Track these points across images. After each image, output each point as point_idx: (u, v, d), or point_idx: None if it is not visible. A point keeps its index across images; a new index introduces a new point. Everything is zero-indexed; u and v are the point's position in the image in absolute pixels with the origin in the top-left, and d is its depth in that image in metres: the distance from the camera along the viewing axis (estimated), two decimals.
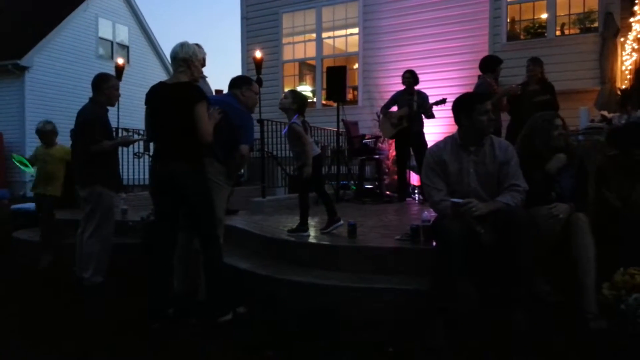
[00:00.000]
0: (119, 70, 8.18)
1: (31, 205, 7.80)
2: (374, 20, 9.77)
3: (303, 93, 5.06)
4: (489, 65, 6.29)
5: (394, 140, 7.21)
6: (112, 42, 17.07)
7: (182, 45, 3.43)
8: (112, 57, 16.08)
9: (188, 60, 3.41)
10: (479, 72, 6.50)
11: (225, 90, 4.06)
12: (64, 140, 5.73)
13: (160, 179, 3.36)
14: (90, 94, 4.53)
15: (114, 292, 4.09)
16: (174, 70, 3.47)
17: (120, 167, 5.19)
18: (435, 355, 2.71)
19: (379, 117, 7.34)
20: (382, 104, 7.16)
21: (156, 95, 3.40)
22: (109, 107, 4.52)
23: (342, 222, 4.39)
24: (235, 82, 3.93)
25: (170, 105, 3.32)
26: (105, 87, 4.44)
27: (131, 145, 5.97)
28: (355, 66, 10.27)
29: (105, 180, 4.38)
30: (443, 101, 6.38)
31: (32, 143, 14.03)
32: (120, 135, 7.35)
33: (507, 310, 2.93)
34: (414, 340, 2.86)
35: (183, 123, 3.27)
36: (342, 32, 10.35)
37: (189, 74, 3.43)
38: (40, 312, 3.74)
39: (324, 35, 10.45)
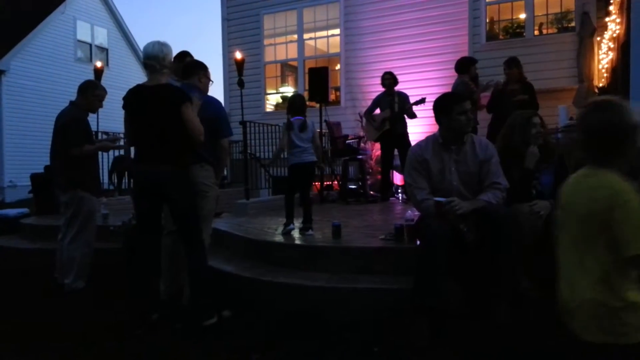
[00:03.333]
0: (98, 73, 8.07)
1: (10, 212, 7.69)
2: (355, 21, 9.80)
3: (290, 95, 5.13)
4: (464, 66, 6.37)
5: (378, 142, 7.27)
6: (90, 45, 16.84)
7: (159, 45, 3.32)
8: (91, 60, 15.89)
9: (161, 59, 3.30)
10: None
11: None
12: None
13: (143, 182, 3.31)
14: (70, 98, 4.49)
15: (96, 298, 4.04)
16: (150, 71, 3.33)
17: (101, 171, 5.14)
18: (419, 354, 2.72)
19: (361, 118, 7.36)
20: (365, 105, 7.21)
21: (136, 98, 3.33)
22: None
23: (312, 232, 4.37)
24: (192, 69, 3.72)
25: (153, 108, 3.24)
26: (91, 93, 4.41)
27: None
28: (337, 67, 10.28)
29: (87, 184, 4.33)
30: (422, 101, 6.45)
31: (10, 148, 13.86)
32: (100, 137, 7.26)
33: (491, 307, 2.96)
34: (399, 340, 2.88)
35: (166, 125, 3.22)
36: (324, 33, 10.35)
37: (166, 75, 3.36)
38: (21, 318, 3.67)
39: (306, 36, 10.44)
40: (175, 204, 3.32)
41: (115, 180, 8.63)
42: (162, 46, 3.32)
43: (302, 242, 4.15)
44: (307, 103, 4.93)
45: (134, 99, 3.34)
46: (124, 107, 3.38)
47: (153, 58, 3.29)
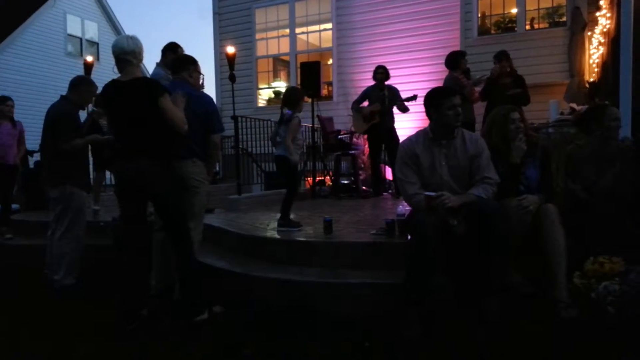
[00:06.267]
0: (88, 67, 8.01)
1: None
2: (347, 16, 9.77)
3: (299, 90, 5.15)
4: (453, 61, 6.35)
5: (366, 134, 7.27)
6: (81, 39, 16.71)
7: (133, 39, 3.29)
8: (81, 54, 15.76)
9: (137, 53, 3.28)
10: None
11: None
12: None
13: (125, 178, 3.29)
14: (60, 92, 4.45)
15: (87, 294, 4.02)
16: (123, 65, 3.28)
17: (91, 166, 5.11)
18: (410, 348, 2.73)
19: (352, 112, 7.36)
20: (355, 99, 7.18)
21: (113, 94, 3.28)
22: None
23: (284, 229, 4.39)
24: (181, 64, 3.70)
25: (130, 103, 3.21)
26: (84, 89, 4.38)
27: None
28: (330, 61, 10.25)
29: (76, 179, 4.30)
30: (414, 97, 6.44)
31: None
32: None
33: (481, 301, 2.97)
34: (390, 334, 2.88)
35: (145, 120, 3.19)
36: (316, 27, 10.32)
37: (139, 68, 3.34)
38: (10, 315, 3.64)
39: (298, 30, 10.41)
40: (157, 199, 3.30)
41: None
42: (136, 41, 3.32)
43: (294, 237, 4.14)
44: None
45: (110, 94, 3.30)
46: (101, 103, 3.36)
47: (130, 53, 3.26)
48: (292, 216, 4.62)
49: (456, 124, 3.20)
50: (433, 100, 3.23)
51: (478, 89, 6.33)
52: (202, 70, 3.85)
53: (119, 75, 3.34)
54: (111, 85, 3.32)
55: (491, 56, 6.36)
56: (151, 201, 3.34)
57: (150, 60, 4.74)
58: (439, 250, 2.98)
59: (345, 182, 7.76)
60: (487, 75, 6.23)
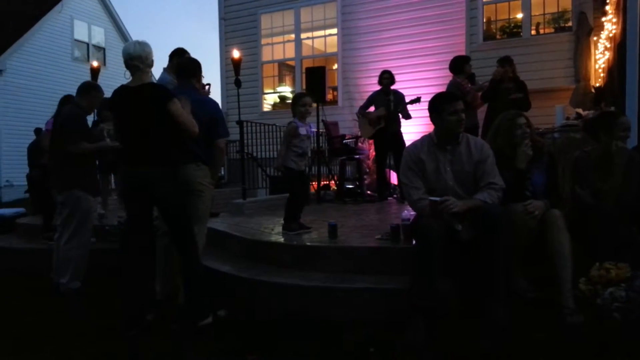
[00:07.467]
0: (95, 72, 8.04)
1: (6, 211, 7.66)
2: (353, 21, 9.81)
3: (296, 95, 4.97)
4: (458, 66, 6.36)
5: (373, 140, 7.26)
6: (88, 44, 16.85)
7: (140, 45, 3.31)
8: (88, 60, 15.87)
9: (144, 58, 3.30)
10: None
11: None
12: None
13: (131, 183, 3.30)
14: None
15: (92, 298, 4.03)
16: (133, 71, 3.31)
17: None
18: (416, 354, 2.72)
19: (359, 118, 7.37)
20: (362, 104, 7.20)
21: (122, 100, 3.30)
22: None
23: (289, 232, 4.38)
24: (189, 70, 3.71)
25: (139, 109, 3.22)
26: (93, 94, 4.43)
27: None
28: (335, 66, 10.28)
29: (84, 184, 4.32)
30: (418, 100, 6.43)
31: (7, 147, 13.83)
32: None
33: (487, 307, 2.96)
34: (395, 340, 2.88)
35: (153, 125, 3.21)
36: (321, 32, 10.36)
37: (149, 74, 3.35)
38: (17, 319, 3.66)
39: (303, 35, 10.45)
40: (164, 204, 3.31)
41: None
42: (144, 46, 3.33)
43: (298, 242, 4.14)
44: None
45: (119, 100, 3.32)
46: (110, 109, 3.38)
47: (137, 58, 3.28)
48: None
49: (459, 129, 3.20)
50: (435, 106, 3.24)
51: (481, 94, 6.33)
52: (208, 76, 3.88)
53: (129, 80, 3.37)
54: (120, 90, 3.34)
55: (496, 61, 6.35)
56: (156, 206, 3.35)
57: (156, 65, 4.77)
58: (444, 256, 2.98)
59: (350, 186, 7.76)
60: (488, 82, 6.23)
